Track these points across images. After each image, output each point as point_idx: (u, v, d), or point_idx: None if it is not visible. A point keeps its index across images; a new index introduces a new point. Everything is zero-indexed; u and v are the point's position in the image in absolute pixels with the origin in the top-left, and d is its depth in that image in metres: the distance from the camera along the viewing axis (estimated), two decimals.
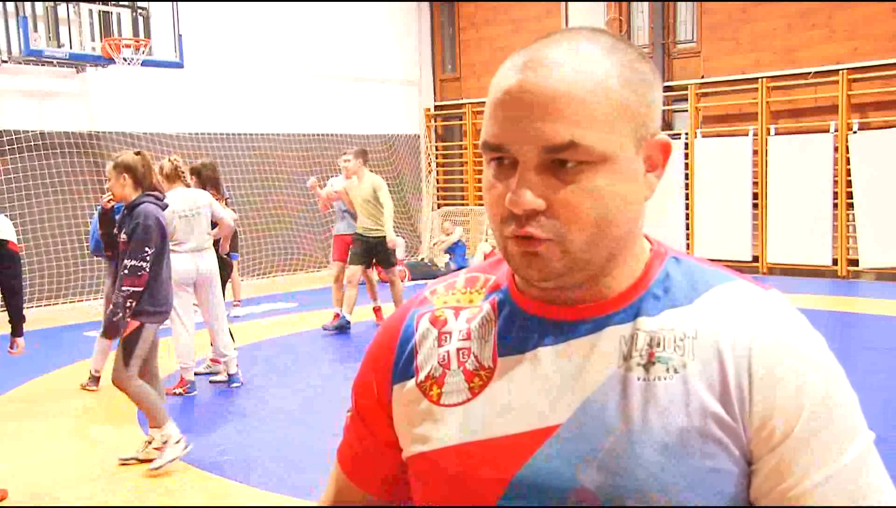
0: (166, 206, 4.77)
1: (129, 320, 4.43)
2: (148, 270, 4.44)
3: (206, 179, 6.63)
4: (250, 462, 4.73)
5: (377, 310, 8.48)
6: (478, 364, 0.93)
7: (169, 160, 6.04)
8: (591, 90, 0.83)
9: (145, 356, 4.61)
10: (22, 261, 4.74)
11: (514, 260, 0.87)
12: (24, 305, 4.73)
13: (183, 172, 6.03)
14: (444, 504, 0.92)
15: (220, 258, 6.43)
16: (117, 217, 4.89)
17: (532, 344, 0.91)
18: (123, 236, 4.48)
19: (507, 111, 0.84)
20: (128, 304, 4.39)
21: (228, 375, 6.34)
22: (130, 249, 4.40)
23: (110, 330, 4.45)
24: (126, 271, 4.39)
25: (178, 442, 4.53)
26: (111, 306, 4.46)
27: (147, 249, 4.42)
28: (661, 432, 0.83)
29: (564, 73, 0.83)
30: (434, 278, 11.96)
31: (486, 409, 0.90)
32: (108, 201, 5.02)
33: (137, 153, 4.65)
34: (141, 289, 4.43)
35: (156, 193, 4.64)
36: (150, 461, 4.56)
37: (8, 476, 4.53)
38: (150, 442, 4.63)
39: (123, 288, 4.38)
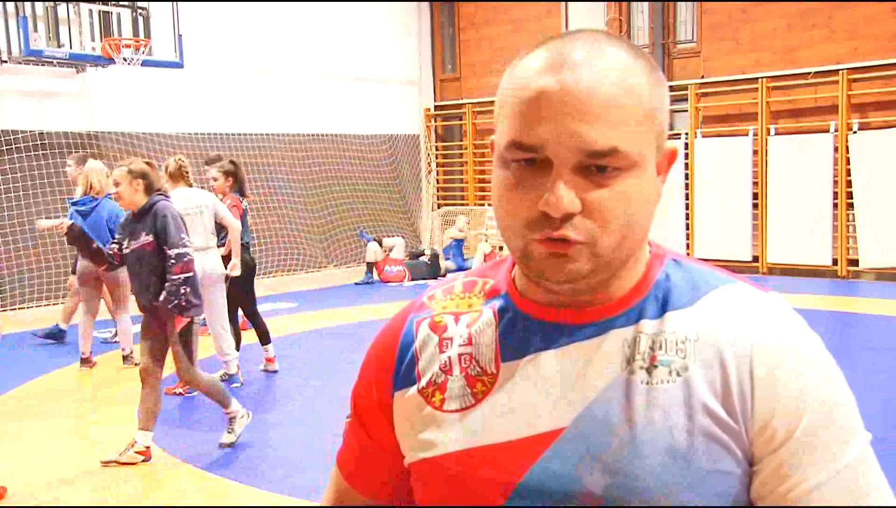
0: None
1: (178, 316, 4.55)
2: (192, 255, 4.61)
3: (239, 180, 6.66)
4: (250, 462, 4.73)
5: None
6: (480, 370, 0.93)
7: (175, 160, 6.08)
8: (630, 95, 0.82)
9: (197, 346, 4.80)
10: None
11: (539, 262, 0.85)
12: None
13: (187, 172, 6.07)
14: None
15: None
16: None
17: (534, 348, 0.90)
18: (148, 237, 4.57)
19: (544, 111, 0.81)
20: (182, 291, 4.52)
21: (228, 375, 6.35)
22: (169, 240, 4.53)
23: (177, 312, 4.53)
24: (173, 261, 4.51)
25: (243, 417, 4.95)
26: (164, 295, 4.50)
27: (184, 236, 4.59)
28: (664, 434, 0.83)
29: (604, 76, 0.82)
30: (420, 255, 12.12)
31: (490, 414, 0.90)
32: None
33: (148, 163, 4.76)
34: (191, 275, 4.57)
35: (162, 191, 4.79)
36: (132, 463, 4.60)
37: (8, 475, 4.52)
38: (132, 445, 4.65)
39: (175, 276, 4.50)
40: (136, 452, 4.63)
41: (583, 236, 0.83)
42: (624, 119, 0.82)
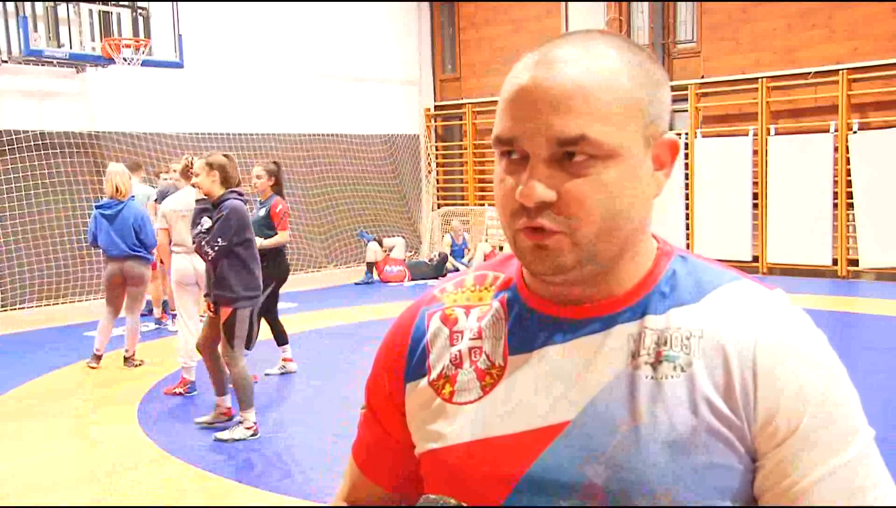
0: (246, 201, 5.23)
1: (224, 307, 4.94)
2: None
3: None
4: (250, 462, 4.73)
5: None
6: (489, 363, 0.94)
7: (185, 158, 6.12)
8: (601, 86, 0.84)
9: (245, 334, 5.07)
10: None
11: (525, 254, 0.88)
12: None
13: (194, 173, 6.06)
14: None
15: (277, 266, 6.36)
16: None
17: (541, 342, 0.92)
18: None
19: (519, 107, 0.85)
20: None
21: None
22: (213, 235, 4.95)
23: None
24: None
25: (249, 428, 5.05)
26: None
27: (222, 237, 4.95)
28: (668, 429, 0.84)
29: (575, 69, 0.84)
30: (417, 265, 12.10)
31: (497, 407, 0.91)
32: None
33: (226, 155, 5.14)
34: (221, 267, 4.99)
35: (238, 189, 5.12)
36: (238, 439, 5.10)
37: (8, 476, 4.53)
38: (241, 422, 5.08)
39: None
40: (246, 428, 5.07)
41: (559, 225, 0.84)
42: (597, 109, 0.83)
